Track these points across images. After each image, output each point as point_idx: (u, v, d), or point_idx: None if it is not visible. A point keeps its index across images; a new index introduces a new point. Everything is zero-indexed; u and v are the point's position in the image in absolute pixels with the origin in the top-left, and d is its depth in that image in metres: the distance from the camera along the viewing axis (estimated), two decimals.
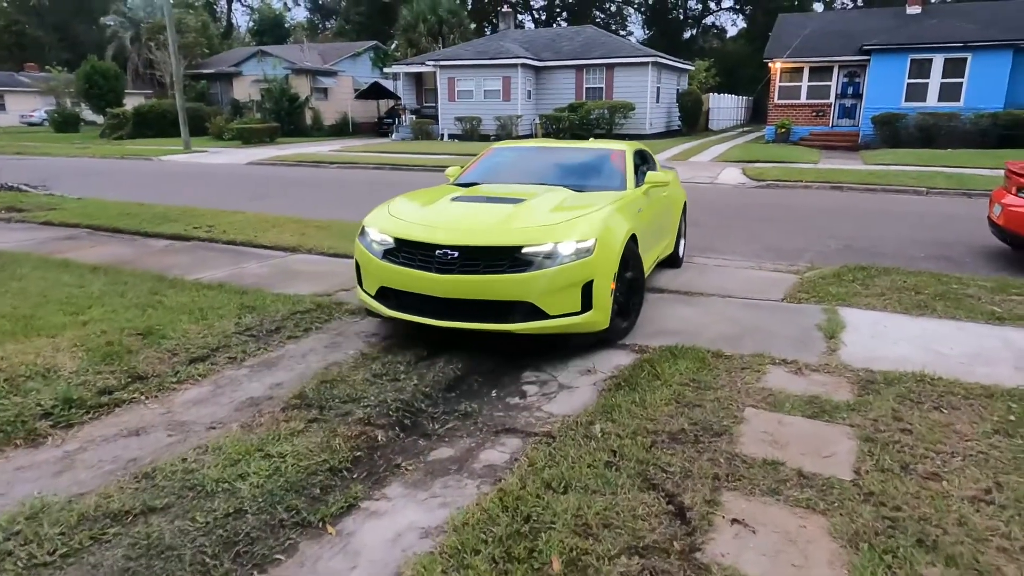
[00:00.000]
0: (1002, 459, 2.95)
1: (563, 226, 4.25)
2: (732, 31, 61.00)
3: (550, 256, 4.06)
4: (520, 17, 59.14)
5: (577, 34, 31.19)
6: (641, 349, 4.48)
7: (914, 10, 24.82)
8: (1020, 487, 2.73)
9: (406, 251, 4.32)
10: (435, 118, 29.36)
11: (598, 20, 55.52)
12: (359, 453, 3.15)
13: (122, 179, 16.74)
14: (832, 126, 24.28)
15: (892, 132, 21.40)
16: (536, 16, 60.12)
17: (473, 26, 53.53)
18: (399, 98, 33.23)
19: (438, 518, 2.67)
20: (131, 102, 34.86)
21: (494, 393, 3.93)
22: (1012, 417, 3.34)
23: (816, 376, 3.97)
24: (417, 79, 31.68)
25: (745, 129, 36.04)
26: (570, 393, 3.88)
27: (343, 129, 34.55)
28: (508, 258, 4.07)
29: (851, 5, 48.99)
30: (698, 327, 4.94)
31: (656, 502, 2.67)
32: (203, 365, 4.21)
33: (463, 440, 3.34)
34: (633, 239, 4.66)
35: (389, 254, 4.41)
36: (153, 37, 36.01)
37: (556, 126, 26.05)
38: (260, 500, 2.74)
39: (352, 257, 4.97)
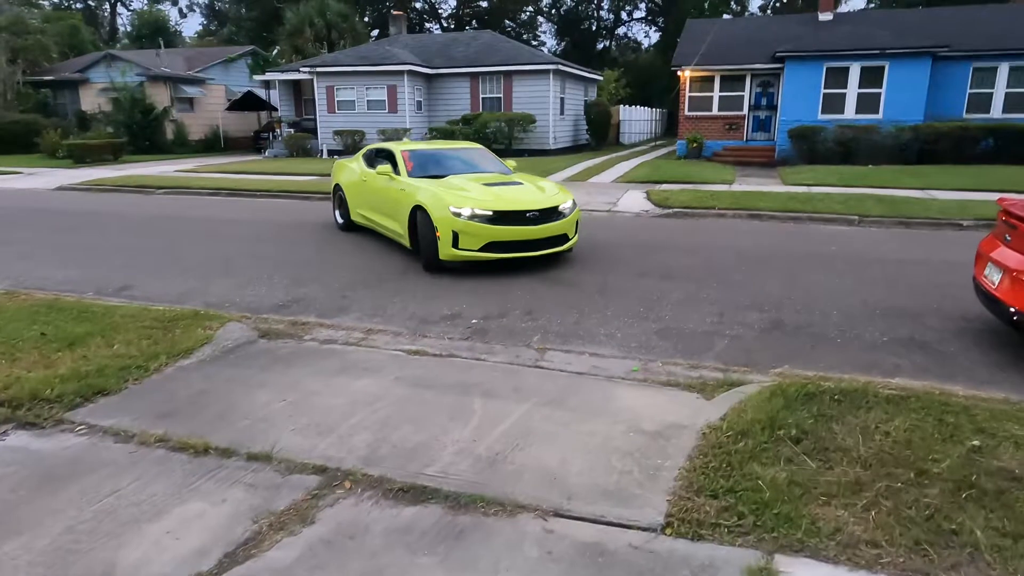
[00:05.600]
0: None
1: (562, 194, 7.90)
2: (646, 43, 59.58)
3: (565, 209, 7.64)
4: (428, 26, 55.87)
5: (473, 39, 28.17)
6: None
7: (826, 17, 23.17)
8: None
9: (505, 217, 7.21)
10: (315, 132, 25.73)
11: (509, 30, 52.84)
12: None
13: None
14: (747, 140, 22.21)
15: (810, 146, 19.43)
16: (445, 25, 56.83)
17: (375, 33, 49.92)
18: (276, 109, 29.37)
19: None
20: None
21: None
22: None
23: None
24: (296, 88, 27.90)
25: (658, 143, 33.94)
26: None
27: (214, 145, 30.18)
28: (556, 213, 7.50)
29: (760, 15, 48.29)
30: None
31: None
32: None
33: None
34: None
35: (490, 221, 7.13)
36: None
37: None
38: None
39: None
